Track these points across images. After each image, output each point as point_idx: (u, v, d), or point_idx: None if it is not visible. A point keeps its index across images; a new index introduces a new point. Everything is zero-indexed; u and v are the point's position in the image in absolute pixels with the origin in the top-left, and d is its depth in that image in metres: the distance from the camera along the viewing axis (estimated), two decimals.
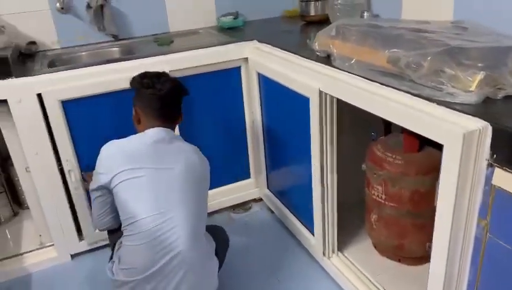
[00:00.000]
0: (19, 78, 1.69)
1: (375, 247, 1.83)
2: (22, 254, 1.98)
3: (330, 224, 1.74)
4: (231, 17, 2.43)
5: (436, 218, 1.13)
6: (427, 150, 1.54)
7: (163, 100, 1.42)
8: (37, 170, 1.80)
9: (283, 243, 2.04)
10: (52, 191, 1.85)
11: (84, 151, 1.84)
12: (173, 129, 1.48)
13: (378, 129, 1.76)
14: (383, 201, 1.63)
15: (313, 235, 1.82)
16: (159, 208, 1.32)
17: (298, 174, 1.86)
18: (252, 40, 2.05)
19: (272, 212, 2.22)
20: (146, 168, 1.34)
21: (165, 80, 1.43)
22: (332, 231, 1.76)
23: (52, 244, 1.98)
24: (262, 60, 1.91)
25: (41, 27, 2.15)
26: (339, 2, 2.11)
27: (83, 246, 2.00)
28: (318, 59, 1.62)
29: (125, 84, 1.75)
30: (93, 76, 1.78)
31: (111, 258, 1.48)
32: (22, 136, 1.73)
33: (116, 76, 1.78)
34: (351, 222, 1.94)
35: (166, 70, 1.63)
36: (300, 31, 2.29)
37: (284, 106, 1.83)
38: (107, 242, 1.63)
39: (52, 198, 1.86)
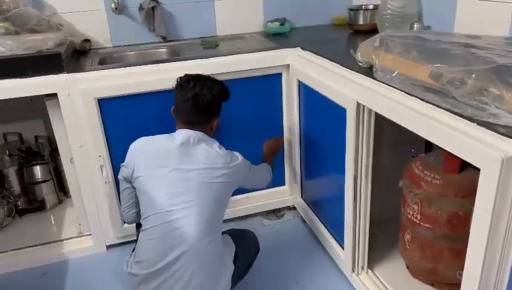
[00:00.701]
0: (69, 74, 1.79)
1: (407, 268, 1.75)
2: (61, 241, 2.09)
3: (361, 239, 1.69)
4: (278, 23, 2.43)
5: (468, 246, 1.06)
6: (469, 171, 1.45)
7: (186, 105, 1.46)
8: (80, 162, 1.89)
9: (312, 254, 2.00)
10: (92, 183, 1.93)
11: (118, 148, 1.88)
12: (206, 131, 1.50)
13: (420, 145, 1.69)
14: (417, 221, 1.56)
15: (343, 249, 1.78)
16: (172, 205, 1.36)
17: (332, 185, 1.82)
18: (295, 47, 2.04)
19: (304, 221, 2.19)
20: (166, 167, 1.39)
21: (193, 86, 1.45)
22: (363, 246, 1.70)
23: (90, 234, 2.07)
24: (303, 68, 1.89)
25: (96, 26, 2.25)
26: (388, 12, 2.05)
27: (118, 238, 2.07)
28: (360, 70, 1.57)
29: (165, 85, 1.81)
30: (136, 75, 1.84)
31: (133, 251, 1.53)
32: (68, 128, 1.82)
33: (158, 77, 1.84)
34: (384, 239, 1.87)
35: (207, 73, 1.67)
36: (346, 40, 2.25)
37: (322, 115, 1.80)
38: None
39: (92, 190, 1.94)
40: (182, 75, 1.54)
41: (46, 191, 2.33)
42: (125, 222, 1.63)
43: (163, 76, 1.83)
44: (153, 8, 2.25)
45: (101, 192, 1.95)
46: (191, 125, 1.47)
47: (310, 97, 1.88)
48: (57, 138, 1.90)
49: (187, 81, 1.48)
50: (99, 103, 1.81)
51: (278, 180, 2.25)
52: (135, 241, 1.58)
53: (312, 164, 2.02)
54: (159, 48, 2.32)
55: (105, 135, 1.87)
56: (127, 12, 2.28)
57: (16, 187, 2.29)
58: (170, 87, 1.81)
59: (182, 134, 1.45)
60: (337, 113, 1.60)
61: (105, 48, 2.30)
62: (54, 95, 1.78)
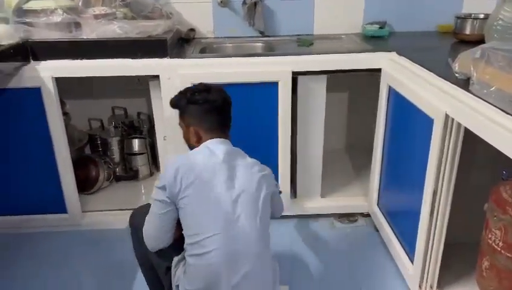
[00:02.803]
0: (172, 59, 1.95)
1: None
2: None
3: (433, 257, 1.61)
4: (377, 26, 2.38)
5: None
6: None
7: (216, 111, 1.42)
8: (172, 140, 2.05)
9: (379, 263, 1.96)
10: None
11: None
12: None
13: None
14: (498, 248, 1.45)
15: (412, 263, 1.71)
16: (233, 223, 1.28)
17: (409, 196, 1.77)
18: (391, 51, 1.99)
19: (377, 230, 2.15)
20: (219, 184, 1.30)
21: (218, 90, 1.44)
22: (435, 265, 1.63)
23: None
24: (394, 73, 1.84)
25: (201, 17, 2.42)
26: (500, 22, 1.90)
27: None
28: (455, 81, 1.50)
29: (256, 78, 1.89)
30: (231, 66, 1.94)
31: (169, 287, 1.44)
32: (166, 108, 1.99)
33: (250, 69, 1.93)
34: (461, 262, 1.77)
35: (294, 70, 1.71)
36: (449, 49, 2.13)
37: (408, 123, 1.75)
38: None
39: None
40: (181, 91, 1.51)
41: (141, 163, 2.57)
42: (153, 249, 1.42)
43: (254, 69, 1.92)
44: (255, 4, 2.35)
45: None
46: (223, 132, 1.43)
47: (398, 104, 1.83)
48: (154, 115, 2.10)
49: (204, 91, 1.42)
50: None
51: None
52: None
53: (392, 172, 1.97)
54: (255, 42, 2.41)
55: None
56: (230, 6, 2.41)
57: (116, 156, 2.57)
58: (260, 80, 1.91)
59: (216, 147, 1.37)
60: (424, 123, 1.55)
61: (208, 38, 2.45)
62: (157, 77, 1.96)
